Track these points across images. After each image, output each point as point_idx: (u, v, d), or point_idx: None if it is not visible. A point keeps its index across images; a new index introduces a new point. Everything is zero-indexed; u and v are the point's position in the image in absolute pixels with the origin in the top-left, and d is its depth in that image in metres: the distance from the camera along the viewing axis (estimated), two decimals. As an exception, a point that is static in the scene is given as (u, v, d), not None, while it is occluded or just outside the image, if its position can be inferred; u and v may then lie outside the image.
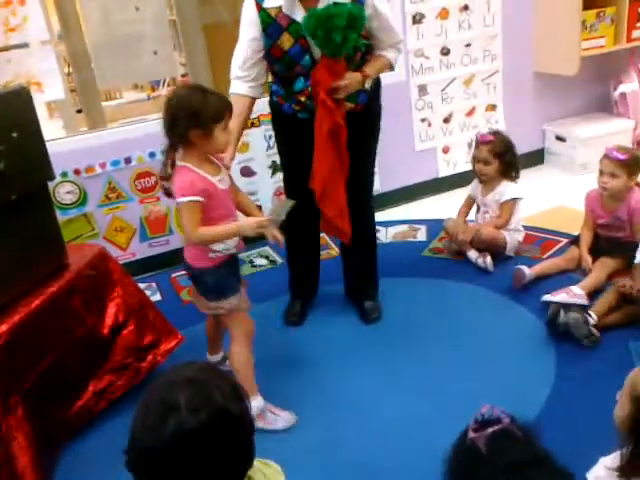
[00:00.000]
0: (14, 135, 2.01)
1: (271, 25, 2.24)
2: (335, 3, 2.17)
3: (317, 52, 2.25)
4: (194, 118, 1.92)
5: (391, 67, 2.46)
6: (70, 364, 2.20)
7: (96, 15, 3.40)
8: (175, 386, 1.05)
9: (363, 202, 2.66)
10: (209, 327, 2.40)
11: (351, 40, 2.18)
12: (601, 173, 2.76)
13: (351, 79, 2.27)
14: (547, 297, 2.54)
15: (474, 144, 3.20)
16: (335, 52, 2.19)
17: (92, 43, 3.40)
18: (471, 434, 1.02)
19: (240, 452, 1.07)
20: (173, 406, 1.01)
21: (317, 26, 2.13)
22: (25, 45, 2.92)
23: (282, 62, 2.31)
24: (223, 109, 1.98)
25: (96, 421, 2.28)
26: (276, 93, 2.45)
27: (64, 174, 3.06)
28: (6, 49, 2.89)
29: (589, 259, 2.78)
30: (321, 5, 2.19)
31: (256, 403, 2.13)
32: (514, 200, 3.04)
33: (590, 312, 2.39)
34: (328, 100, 2.23)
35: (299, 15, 2.21)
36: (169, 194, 2.06)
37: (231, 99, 2.14)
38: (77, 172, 3.12)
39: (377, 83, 2.50)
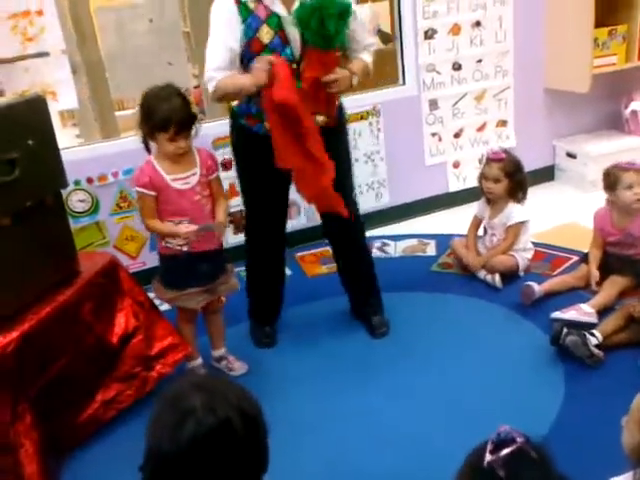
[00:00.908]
0: (30, 143, 2.03)
1: (249, 17, 2.20)
2: None
3: (296, 45, 2.22)
4: (144, 117, 2.16)
5: (369, 72, 2.44)
6: (78, 372, 2.20)
7: (111, 26, 3.44)
8: (187, 392, 1.06)
9: (354, 217, 2.59)
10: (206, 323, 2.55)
11: (342, 31, 2.17)
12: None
13: (342, 74, 2.24)
14: (557, 314, 2.53)
15: (484, 161, 3.19)
16: (328, 43, 2.15)
17: (107, 53, 3.43)
18: (488, 457, 1.01)
19: (256, 454, 1.07)
20: (189, 409, 1.02)
21: (311, 15, 2.10)
22: (42, 55, 2.96)
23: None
24: (169, 120, 2.09)
25: (103, 430, 2.28)
26: (245, 114, 2.37)
27: (77, 182, 3.08)
28: (23, 58, 2.92)
29: (596, 274, 2.77)
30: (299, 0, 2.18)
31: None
32: (521, 223, 3.01)
33: (594, 331, 2.37)
34: (320, 92, 2.20)
35: (278, 7, 2.20)
36: None
37: (219, 87, 2.22)
38: (90, 181, 3.14)
39: (340, 105, 2.47)
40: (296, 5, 2.19)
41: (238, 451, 1.03)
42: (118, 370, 2.32)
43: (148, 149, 2.28)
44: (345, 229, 2.57)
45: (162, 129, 2.12)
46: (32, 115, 2.09)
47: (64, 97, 3.04)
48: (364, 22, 2.38)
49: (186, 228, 2.21)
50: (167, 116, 2.10)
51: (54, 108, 2.92)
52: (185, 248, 2.27)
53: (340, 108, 2.48)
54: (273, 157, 2.26)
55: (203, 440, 1.01)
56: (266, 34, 2.21)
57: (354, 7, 2.26)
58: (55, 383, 2.11)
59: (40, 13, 2.88)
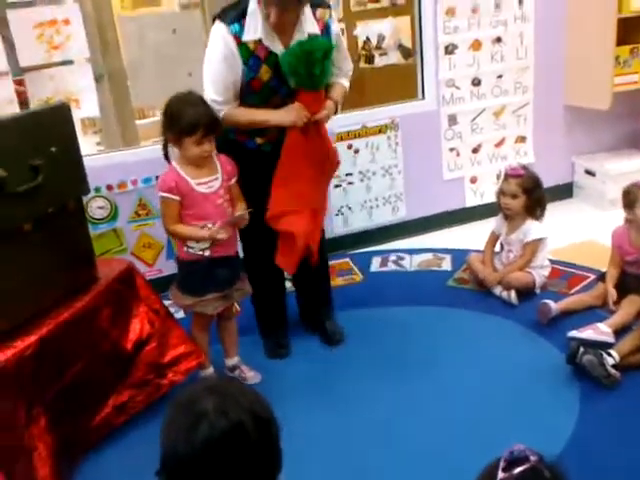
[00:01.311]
0: (53, 150, 2.06)
1: (250, 58, 2.27)
2: (302, 42, 2.24)
3: (292, 81, 2.32)
4: (169, 123, 2.20)
5: (346, 95, 2.56)
6: (93, 377, 2.22)
7: (134, 35, 3.49)
8: (199, 396, 1.07)
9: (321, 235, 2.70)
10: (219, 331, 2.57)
11: (328, 71, 2.30)
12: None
13: (329, 108, 2.38)
14: (573, 333, 2.51)
15: (502, 177, 3.18)
16: (316, 85, 2.29)
17: (129, 62, 3.48)
18: (501, 475, 1.00)
19: (270, 456, 1.08)
20: (201, 412, 1.03)
21: (298, 64, 2.21)
22: (67, 63, 3.01)
23: (260, 94, 2.34)
24: (197, 124, 2.15)
25: (114, 434, 2.29)
26: (234, 130, 2.42)
27: (97, 189, 3.12)
28: (49, 66, 2.97)
29: (614, 292, 2.74)
30: (296, 38, 2.27)
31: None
32: (538, 240, 3.00)
33: (611, 351, 2.35)
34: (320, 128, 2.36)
35: (277, 48, 2.27)
36: None
37: (229, 117, 2.32)
38: (109, 188, 3.18)
39: None
40: (294, 43, 2.27)
41: (251, 454, 1.04)
42: (131, 376, 2.34)
43: (167, 158, 2.31)
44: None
45: (189, 133, 2.16)
46: (56, 122, 2.13)
47: (87, 105, 3.08)
48: (344, 48, 2.50)
49: (209, 230, 2.26)
50: (195, 119, 2.15)
51: (76, 115, 2.96)
52: (207, 253, 2.31)
53: None
54: (266, 169, 2.37)
55: (216, 443, 1.02)
56: (265, 73, 2.29)
57: (338, 36, 2.41)
58: (70, 387, 2.13)
59: (66, 22, 2.93)
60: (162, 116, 2.26)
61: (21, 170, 1.96)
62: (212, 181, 2.28)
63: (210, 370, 2.53)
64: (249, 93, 2.33)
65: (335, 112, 2.47)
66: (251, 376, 2.57)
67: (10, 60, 2.88)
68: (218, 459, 1.02)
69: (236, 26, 2.23)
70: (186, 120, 2.15)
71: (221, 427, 1.02)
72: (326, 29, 2.37)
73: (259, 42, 2.25)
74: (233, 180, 2.36)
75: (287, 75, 2.28)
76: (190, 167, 2.25)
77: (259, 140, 2.42)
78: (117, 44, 3.60)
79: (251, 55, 2.26)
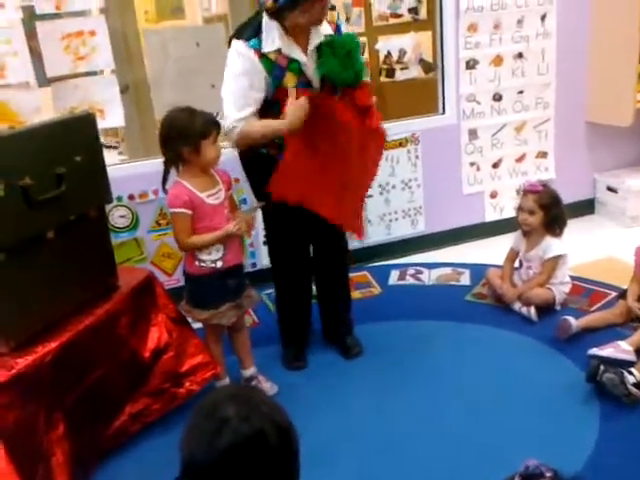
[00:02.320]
0: (77, 159, 2.10)
1: (274, 68, 2.31)
2: (331, 44, 2.28)
3: (316, 83, 2.36)
4: (183, 136, 2.19)
5: None
6: (111, 385, 2.23)
7: (158, 48, 3.53)
8: (221, 403, 1.08)
9: (343, 248, 2.75)
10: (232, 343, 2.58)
11: (363, 63, 2.35)
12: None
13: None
14: (594, 351, 2.48)
15: (521, 193, 3.17)
16: (360, 78, 2.33)
17: (152, 74, 3.52)
18: None
19: (289, 465, 1.08)
20: (224, 419, 1.04)
21: (344, 67, 2.25)
22: (92, 73, 3.06)
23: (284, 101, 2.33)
24: (209, 125, 2.21)
25: (129, 443, 2.29)
26: (269, 144, 2.40)
27: (119, 198, 3.15)
28: (75, 76, 3.02)
29: (638, 305, 2.71)
30: (312, 43, 2.31)
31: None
32: (558, 257, 2.97)
33: (632, 369, 2.32)
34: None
35: (296, 53, 2.31)
36: None
37: (243, 134, 2.31)
38: (131, 197, 3.22)
39: None
40: (312, 46, 2.31)
41: (271, 461, 1.04)
42: (148, 384, 2.35)
43: (165, 182, 2.32)
44: (335, 255, 2.69)
45: (206, 135, 2.20)
46: (81, 132, 2.16)
47: (111, 115, 3.12)
48: None
49: (225, 228, 2.29)
50: (206, 120, 2.22)
51: (100, 126, 3.00)
52: (219, 264, 2.33)
53: None
54: None
55: (239, 449, 1.02)
56: (291, 79, 2.32)
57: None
58: (88, 394, 2.14)
59: (92, 33, 2.98)
60: (167, 137, 2.23)
61: (46, 178, 2.00)
62: (218, 192, 2.32)
63: (226, 381, 2.54)
64: (273, 102, 2.34)
65: None
66: (268, 387, 2.56)
67: (37, 70, 2.94)
68: (239, 465, 1.02)
69: (255, 40, 2.29)
70: (199, 123, 2.20)
71: (244, 433, 1.02)
72: (337, 30, 2.42)
73: (279, 52, 2.30)
74: (231, 190, 2.43)
75: (333, 82, 2.32)
76: (196, 180, 2.28)
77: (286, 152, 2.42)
78: (141, 56, 3.66)
79: (274, 65, 2.31)
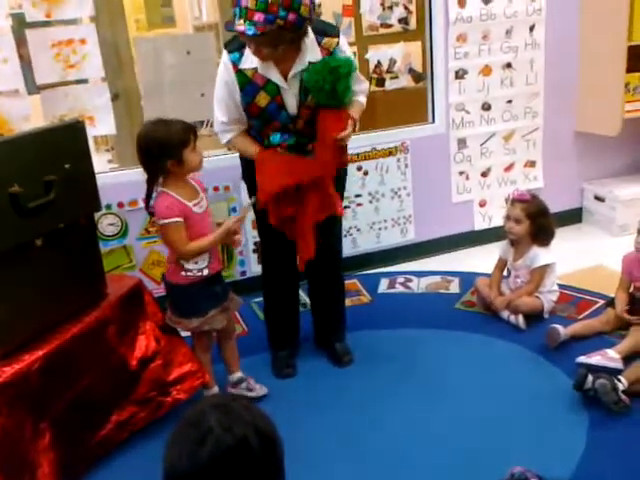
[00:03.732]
0: (66, 166, 2.09)
1: (247, 85, 2.33)
2: (326, 59, 2.28)
3: (292, 108, 2.36)
4: (164, 149, 2.18)
5: (363, 111, 2.58)
6: (98, 393, 2.21)
7: (149, 56, 3.53)
8: (204, 413, 1.07)
9: (336, 256, 2.73)
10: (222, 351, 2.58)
11: (350, 87, 2.32)
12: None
13: (350, 127, 2.38)
14: (582, 359, 2.50)
15: (509, 201, 3.19)
16: (341, 102, 2.32)
17: (143, 82, 3.52)
18: None
19: (272, 474, 1.08)
20: (206, 429, 1.04)
21: (323, 80, 2.24)
22: (82, 81, 3.06)
23: (259, 118, 2.40)
24: (187, 133, 2.21)
25: (115, 452, 2.27)
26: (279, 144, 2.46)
27: (108, 206, 3.15)
28: (65, 84, 3.02)
29: (626, 315, 2.73)
30: (295, 69, 2.31)
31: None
32: (545, 266, 2.98)
33: (620, 377, 2.34)
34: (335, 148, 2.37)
35: (274, 76, 2.32)
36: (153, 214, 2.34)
37: (231, 145, 2.44)
38: (120, 205, 3.21)
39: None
40: (293, 72, 2.31)
41: (255, 470, 1.04)
42: (135, 393, 2.33)
43: (150, 196, 2.31)
44: (328, 263, 2.66)
45: (186, 142, 2.21)
46: (70, 139, 2.16)
47: (102, 123, 3.12)
48: (357, 71, 2.50)
49: (228, 222, 2.34)
50: (183, 128, 2.22)
51: (90, 133, 3.00)
52: (205, 272, 2.34)
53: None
54: None
55: (222, 459, 1.02)
56: (263, 99, 2.34)
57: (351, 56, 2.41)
58: (75, 403, 2.13)
59: (83, 42, 2.98)
60: (148, 153, 2.22)
61: (35, 185, 1.99)
62: (201, 201, 2.33)
63: (215, 389, 2.53)
64: (249, 117, 2.42)
65: (354, 130, 2.47)
66: (257, 388, 2.57)
67: (27, 78, 2.94)
68: (223, 475, 1.02)
69: (236, 54, 2.32)
70: (177, 133, 2.20)
71: (227, 443, 1.02)
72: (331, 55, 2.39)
73: (255, 70, 2.32)
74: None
75: (312, 92, 2.31)
76: (182, 190, 2.28)
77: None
78: (131, 64, 3.66)
79: (248, 82, 2.33)
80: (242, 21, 2.11)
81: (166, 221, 2.24)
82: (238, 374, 2.58)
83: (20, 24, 2.88)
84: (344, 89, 2.28)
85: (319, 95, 2.29)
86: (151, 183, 2.28)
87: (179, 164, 2.22)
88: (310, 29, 2.28)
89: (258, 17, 2.08)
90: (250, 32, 2.10)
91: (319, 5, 3.28)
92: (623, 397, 2.29)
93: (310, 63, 2.30)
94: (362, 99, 2.54)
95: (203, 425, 1.04)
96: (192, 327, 2.41)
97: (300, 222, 2.43)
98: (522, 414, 2.36)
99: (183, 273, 2.33)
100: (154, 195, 2.30)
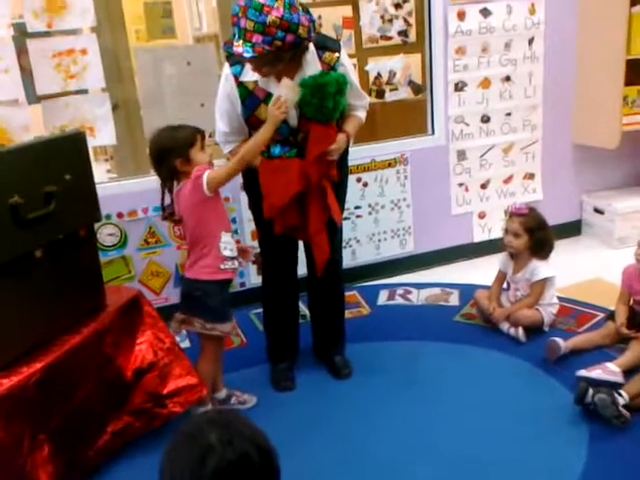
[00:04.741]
0: (67, 177, 2.09)
1: (249, 97, 2.35)
2: (314, 76, 2.29)
3: (293, 120, 2.37)
4: (171, 150, 2.24)
5: (361, 126, 2.59)
6: (94, 403, 2.20)
7: (149, 66, 3.54)
8: (202, 428, 1.07)
9: (335, 268, 2.70)
10: None
11: (341, 105, 2.34)
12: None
13: (340, 142, 2.40)
14: (582, 372, 2.49)
15: (508, 215, 3.19)
16: (329, 118, 2.33)
17: (143, 92, 3.53)
18: None
19: None
20: (207, 446, 1.03)
21: (312, 95, 2.26)
22: (82, 91, 3.06)
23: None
24: (193, 133, 2.27)
25: (109, 462, 2.25)
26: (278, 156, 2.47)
27: (108, 216, 3.14)
28: (65, 94, 3.02)
29: (626, 330, 2.72)
30: (296, 80, 2.32)
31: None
32: (545, 280, 2.98)
33: (621, 391, 2.33)
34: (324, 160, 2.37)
35: (274, 89, 2.32)
36: (175, 220, 2.41)
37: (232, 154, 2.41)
38: (120, 215, 3.20)
39: (345, 150, 2.55)
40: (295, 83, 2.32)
41: None
42: (130, 403, 2.32)
43: (164, 198, 2.33)
44: (327, 275, 2.61)
45: (193, 142, 2.26)
46: (71, 150, 2.16)
47: (102, 133, 3.12)
48: (357, 86, 2.52)
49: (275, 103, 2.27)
50: (189, 130, 2.28)
51: (91, 144, 2.99)
52: (236, 263, 2.38)
53: (342, 164, 2.57)
54: None
55: (225, 475, 1.01)
56: (264, 112, 2.33)
57: (349, 74, 2.41)
58: (74, 414, 2.11)
59: (84, 52, 2.99)
60: (158, 156, 2.27)
61: (35, 196, 1.98)
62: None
63: (208, 407, 2.47)
64: (250, 128, 2.42)
65: (347, 144, 2.51)
66: (246, 398, 2.58)
67: (27, 88, 2.94)
68: None
69: (237, 67, 2.34)
70: (183, 134, 2.26)
71: (228, 459, 1.02)
72: (331, 70, 2.40)
73: (256, 83, 2.33)
74: None
75: (300, 105, 2.32)
76: None
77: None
78: (131, 74, 3.67)
79: (249, 95, 2.35)
80: (240, 42, 2.13)
81: (204, 177, 2.22)
82: (224, 391, 2.57)
83: (21, 34, 2.88)
84: (333, 106, 2.30)
85: (307, 109, 2.31)
86: (163, 185, 2.32)
87: (188, 162, 2.25)
88: (311, 44, 2.29)
89: (256, 38, 2.10)
90: (248, 54, 2.13)
91: (319, 17, 3.30)
92: (623, 411, 2.28)
93: (314, 75, 2.31)
94: (361, 114, 2.55)
95: (203, 440, 1.04)
96: (226, 331, 2.39)
97: (309, 226, 2.42)
98: (522, 427, 2.35)
99: (222, 265, 2.32)
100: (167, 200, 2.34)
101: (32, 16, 2.87)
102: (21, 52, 2.90)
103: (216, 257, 2.31)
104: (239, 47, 2.13)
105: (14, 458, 1.88)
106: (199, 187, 2.23)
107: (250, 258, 2.53)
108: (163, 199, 2.34)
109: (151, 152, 2.30)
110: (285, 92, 2.26)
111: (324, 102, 2.27)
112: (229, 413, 1.15)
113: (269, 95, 2.33)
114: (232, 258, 2.34)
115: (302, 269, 2.73)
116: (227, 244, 2.33)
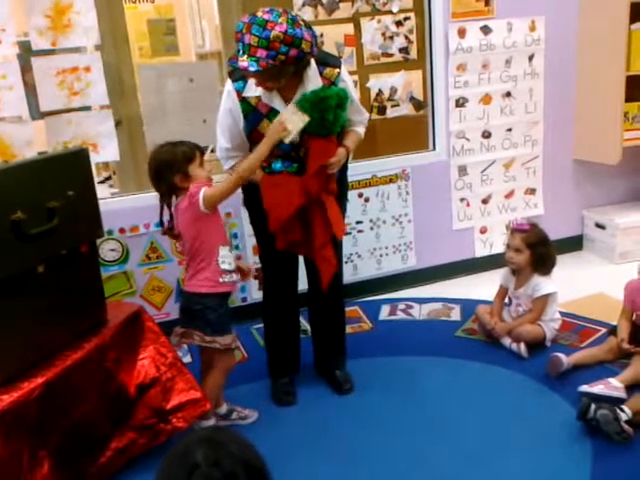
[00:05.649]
0: (70, 194, 2.10)
1: (251, 113, 2.37)
2: (316, 90, 2.31)
3: (295, 137, 2.36)
4: (170, 166, 2.27)
5: (360, 141, 2.61)
6: (96, 420, 2.19)
7: (152, 83, 3.57)
8: (191, 447, 1.06)
9: (336, 283, 2.67)
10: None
11: (341, 119, 2.36)
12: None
13: (340, 155, 2.42)
14: (584, 388, 2.48)
15: (509, 231, 3.19)
16: (329, 131, 2.35)
17: (145, 109, 3.55)
18: None
19: None
20: (193, 465, 1.02)
21: (313, 109, 2.28)
22: (86, 108, 3.09)
23: None
24: (192, 149, 2.30)
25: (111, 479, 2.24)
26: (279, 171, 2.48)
27: (109, 232, 3.15)
28: (68, 111, 3.05)
29: (627, 345, 2.71)
30: (297, 95, 2.34)
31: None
32: (547, 295, 2.97)
33: (623, 407, 2.32)
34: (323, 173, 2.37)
35: (277, 104, 2.35)
36: (174, 235, 2.42)
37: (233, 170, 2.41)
38: (122, 231, 3.22)
39: (345, 164, 2.56)
40: (297, 98, 2.34)
41: None
42: (133, 419, 2.31)
43: (162, 214, 2.36)
44: (328, 289, 2.59)
45: (192, 158, 2.28)
46: (74, 166, 2.17)
47: (105, 150, 3.14)
48: (357, 102, 2.54)
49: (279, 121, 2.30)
50: (188, 146, 2.31)
51: (94, 160, 3.02)
52: (235, 277, 2.39)
53: (342, 178, 2.59)
54: None
55: None
56: (266, 127, 2.35)
57: (349, 91, 2.42)
58: (74, 431, 2.10)
59: (88, 69, 3.02)
60: (157, 172, 2.30)
61: (38, 212, 1.99)
62: None
63: (211, 422, 2.48)
64: (252, 143, 2.43)
65: (347, 159, 2.52)
66: (249, 412, 2.58)
67: (31, 104, 2.96)
68: None
69: (240, 83, 2.36)
70: (182, 150, 2.29)
71: (215, 478, 1.00)
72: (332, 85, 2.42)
73: (259, 99, 2.35)
74: None
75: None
76: None
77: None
78: (134, 91, 3.70)
79: (252, 110, 2.37)
80: (245, 57, 2.16)
81: (201, 194, 2.24)
82: (225, 406, 2.56)
83: (26, 52, 2.91)
84: (333, 119, 2.32)
85: (309, 123, 2.32)
86: (162, 201, 2.34)
87: (187, 178, 2.27)
88: (312, 60, 2.31)
89: (260, 53, 2.13)
90: (252, 68, 2.16)
91: (321, 35, 3.33)
92: (626, 427, 2.26)
93: (316, 90, 2.33)
94: (360, 129, 2.58)
95: (190, 459, 1.03)
96: (226, 343, 2.38)
97: (315, 240, 2.42)
98: (524, 443, 2.34)
99: (220, 279, 2.33)
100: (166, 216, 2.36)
101: (37, 34, 2.90)
102: (25, 69, 2.93)
103: (215, 271, 2.33)
104: (244, 62, 2.16)
105: (14, 475, 1.87)
106: (195, 204, 2.26)
107: (249, 279, 2.55)
108: (162, 214, 2.36)
109: (150, 168, 2.32)
110: (288, 117, 2.28)
111: (325, 115, 2.29)
112: (221, 431, 1.14)
113: (272, 110, 2.36)
114: (231, 271, 2.36)
115: (302, 284, 2.73)
116: (225, 258, 2.34)
